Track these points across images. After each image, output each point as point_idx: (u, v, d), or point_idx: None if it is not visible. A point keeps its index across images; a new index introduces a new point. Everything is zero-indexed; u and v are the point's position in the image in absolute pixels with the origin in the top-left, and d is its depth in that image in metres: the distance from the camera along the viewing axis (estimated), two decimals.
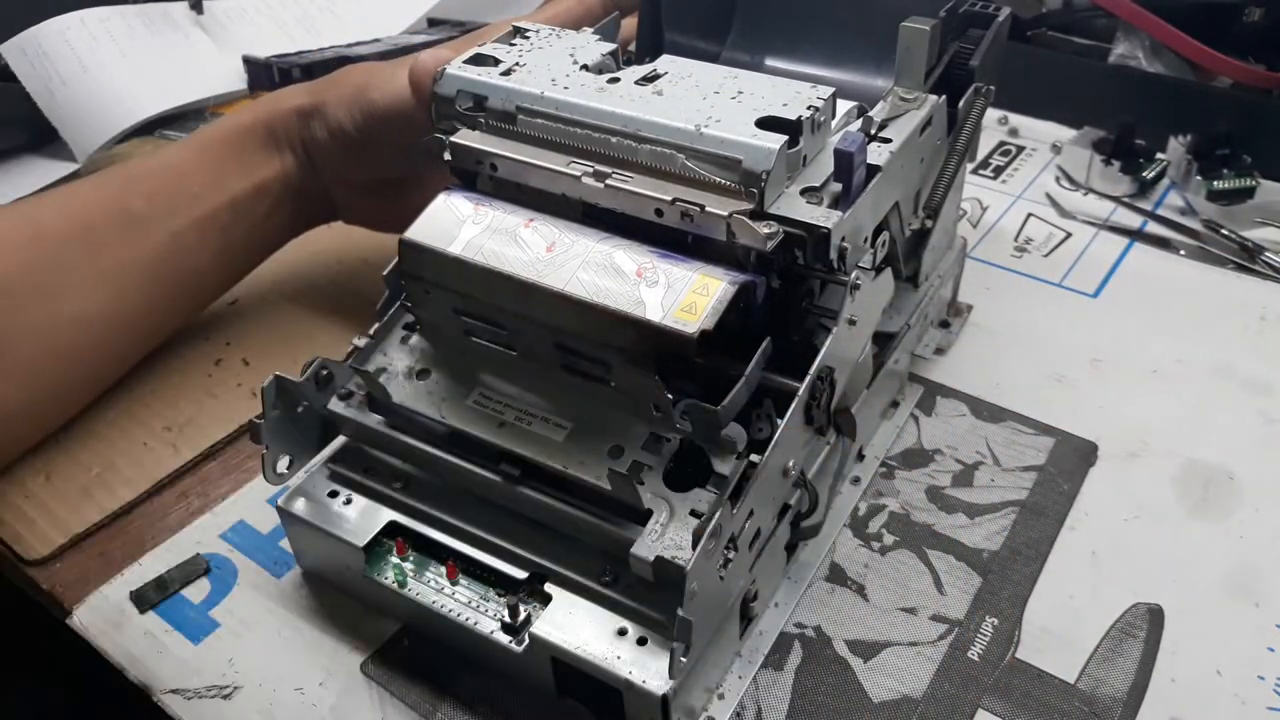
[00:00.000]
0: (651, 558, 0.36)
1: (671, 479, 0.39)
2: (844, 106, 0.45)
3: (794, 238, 0.38)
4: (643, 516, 0.38)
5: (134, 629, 0.45)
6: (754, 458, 0.38)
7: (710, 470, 0.38)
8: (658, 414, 0.39)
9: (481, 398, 0.42)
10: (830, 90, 0.41)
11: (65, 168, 0.76)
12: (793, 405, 0.39)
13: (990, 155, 0.76)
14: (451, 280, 0.41)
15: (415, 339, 0.45)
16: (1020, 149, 0.77)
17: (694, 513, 0.37)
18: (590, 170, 0.41)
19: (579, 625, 0.38)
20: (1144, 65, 0.77)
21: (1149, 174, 0.70)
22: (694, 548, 0.36)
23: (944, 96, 0.47)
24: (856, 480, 0.50)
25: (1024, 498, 0.50)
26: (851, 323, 0.42)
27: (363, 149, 0.54)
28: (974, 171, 0.74)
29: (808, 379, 0.39)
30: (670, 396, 0.38)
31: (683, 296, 0.37)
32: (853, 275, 0.41)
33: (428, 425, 0.43)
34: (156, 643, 0.45)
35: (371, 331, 0.45)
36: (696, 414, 0.38)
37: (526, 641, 0.39)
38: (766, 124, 0.39)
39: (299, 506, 0.44)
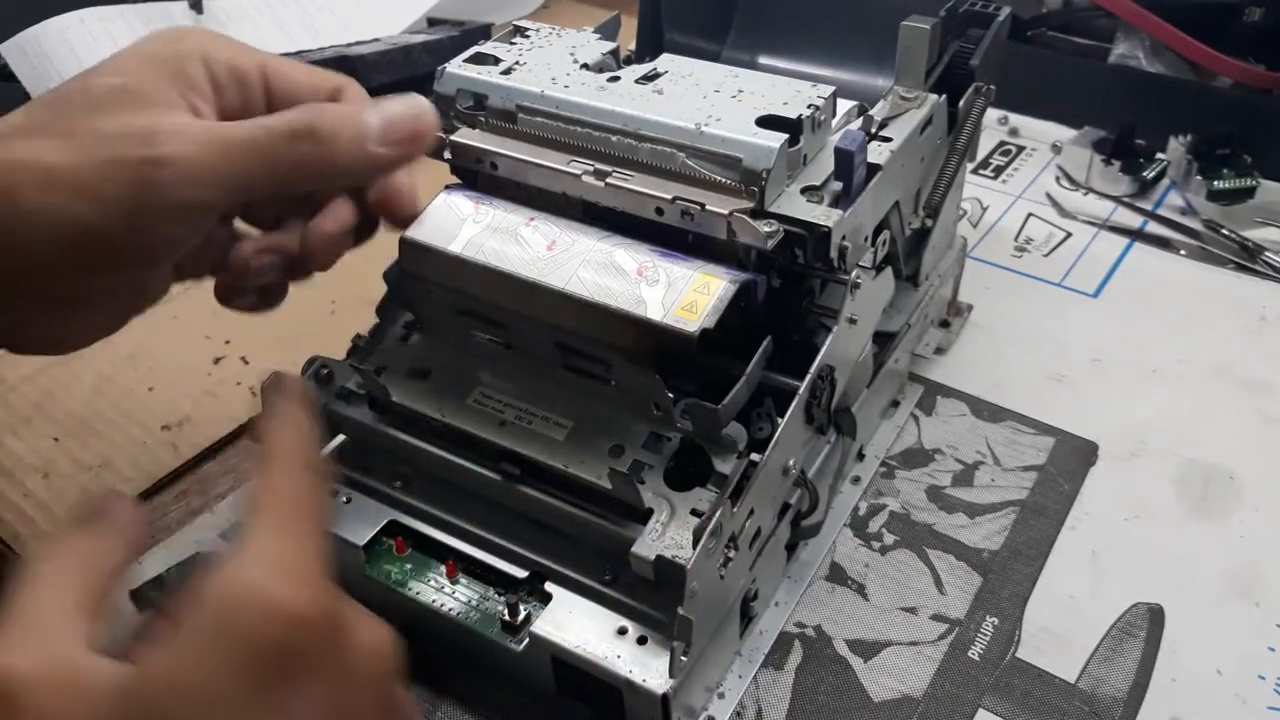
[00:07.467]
0: (652, 557, 0.36)
1: (672, 478, 0.39)
2: (844, 105, 0.45)
3: (794, 236, 0.38)
4: (643, 515, 0.38)
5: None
6: (754, 457, 0.38)
7: (711, 469, 0.38)
8: (658, 413, 0.39)
9: (481, 397, 0.42)
10: (831, 89, 0.41)
11: None
12: (793, 404, 0.39)
13: (990, 155, 0.76)
14: (452, 279, 0.41)
15: (415, 338, 0.45)
16: (1020, 149, 0.77)
17: (694, 512, 0.37)
18: (591, 169, 0.41)
19: (579, 624, 0.38)
20: (1144, 65, 0.77)
21: (1149, 174, 0.70)
22: (694, 547, 0.36)
23: (944, 96, 0.47)
24: (857, 480, 0.50)
25: (1024, 497, 0.49)
26: (852, 322, 0.42)
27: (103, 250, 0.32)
28: (974, 171, 0.74)
29: (808, 378, 0.39)
30: (671, 395, 0.38)
31: (683, 295, 0.37)
32: (853, 274, 0.41)
33: (428, 424, 0.43)
34: None
35: (371, 330, 0.45)
36: (697, 413, 0.38)
37: (527, 641, 0.38)
38: (767, 123, 0.39)
39: None
